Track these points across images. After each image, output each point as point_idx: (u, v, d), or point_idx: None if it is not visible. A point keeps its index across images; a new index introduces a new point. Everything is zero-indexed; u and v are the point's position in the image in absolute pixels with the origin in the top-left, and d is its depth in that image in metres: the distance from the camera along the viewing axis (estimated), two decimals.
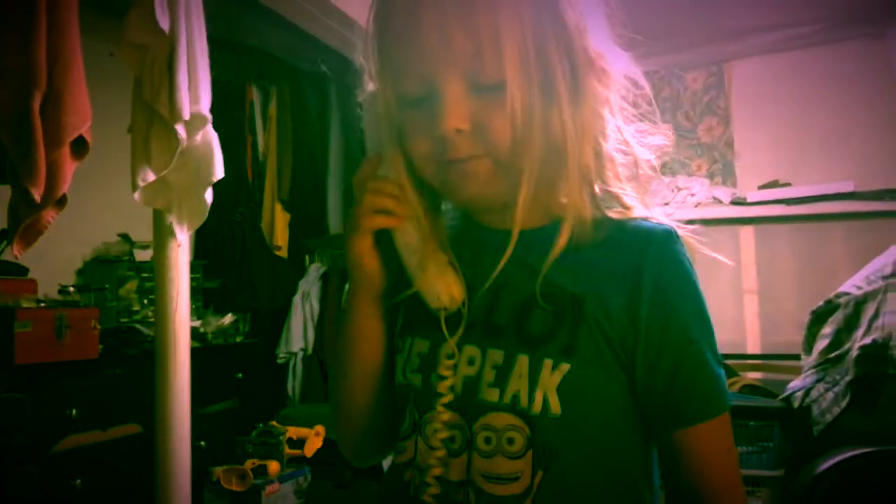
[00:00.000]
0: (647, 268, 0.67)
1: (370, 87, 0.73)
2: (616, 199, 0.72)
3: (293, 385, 3.45)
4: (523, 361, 0.67)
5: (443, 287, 0.69)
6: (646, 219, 0.71)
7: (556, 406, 0.65)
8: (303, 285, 3.54)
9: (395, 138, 0.70)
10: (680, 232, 0.70)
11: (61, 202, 1.50)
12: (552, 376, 0.65)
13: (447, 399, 0.68)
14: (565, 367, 0.65)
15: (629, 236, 0.69)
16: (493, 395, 0.67)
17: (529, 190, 0.66)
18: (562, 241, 0.67)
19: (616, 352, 0.67)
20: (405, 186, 0.69)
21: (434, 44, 0.64)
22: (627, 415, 0.69)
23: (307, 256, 3.71)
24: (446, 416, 0.68)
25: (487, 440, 0.67)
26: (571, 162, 0.67)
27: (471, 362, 0.69)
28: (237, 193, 3.60)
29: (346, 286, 0.79)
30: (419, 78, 0.66)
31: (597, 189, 0.71)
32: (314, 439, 2.62)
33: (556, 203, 0.70)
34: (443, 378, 0.69)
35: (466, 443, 0.68)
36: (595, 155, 0.70)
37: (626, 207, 0.72)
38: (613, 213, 0.71)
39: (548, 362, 0.66)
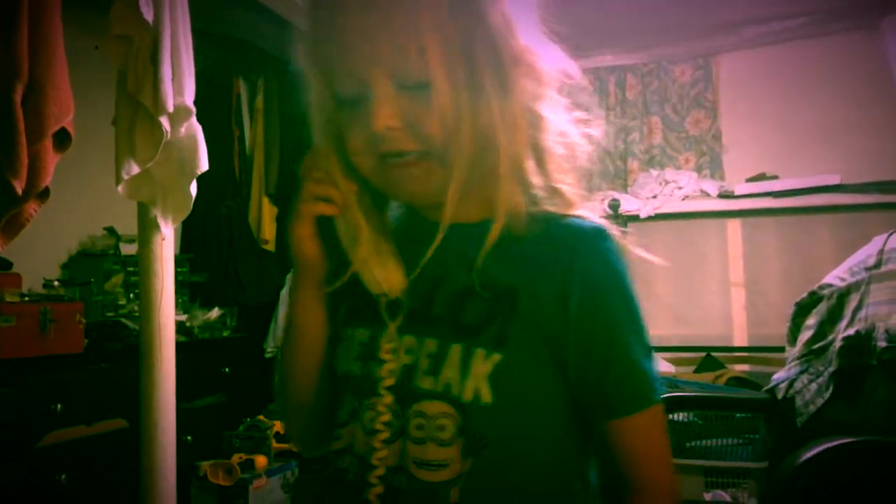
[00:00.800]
0: (576, 265, 0.68)
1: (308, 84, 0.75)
2: (558, 194, 0.73)
3: None
4: (456, 350, 0.68)
5: (383, 274, 0.71)
6: (578, 216, 0.72)
7: (487, 395, 0.67)
8: (290, 279, 3.53)
9: (330, 133, 0.72)
10: (610, 231, 0.72)
11: (44, 195, 1.50)
12: (483, 365, 0.67)
13: (389, 382, 0.70)
14: (497, 357, 0.67)
15: (562, 233, 0.71)
16: (427, 383, 0.69)
17: (459, 184, 0.68)
18: (492, 235, 0.69)
19: (549, 344, 0.68)
20: (338, 178, 0.71)
21: (359, 45, 0.65)
22: (560, 407, 0.71)
23: None
24: (388, 399, 0.70)
25: (420, 426, 0.68)
26: (503, 156, 0.68)
27: (409, 351, 0.71)
28: (224, 187, 3.58)
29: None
30: (350, 78, 0.67)
31: (538, 183, 0.72)
32: None
33: (496, 197, 0.71)
34: (384, 362, 0.70)
35: (400, 429, 0.69)
36: (531, 149, 0.71)
37: (568, 203, 0.73)
38: (552, 208, 0.72)
39: (480, 352, 0.68)
